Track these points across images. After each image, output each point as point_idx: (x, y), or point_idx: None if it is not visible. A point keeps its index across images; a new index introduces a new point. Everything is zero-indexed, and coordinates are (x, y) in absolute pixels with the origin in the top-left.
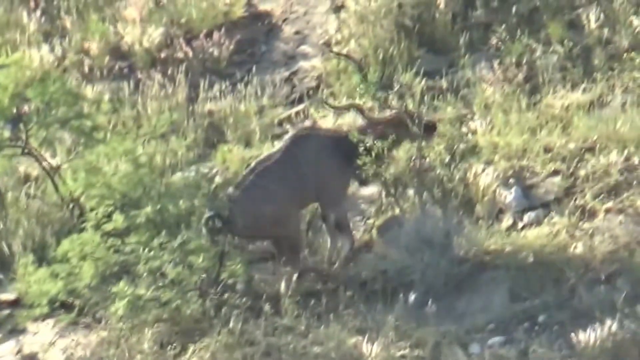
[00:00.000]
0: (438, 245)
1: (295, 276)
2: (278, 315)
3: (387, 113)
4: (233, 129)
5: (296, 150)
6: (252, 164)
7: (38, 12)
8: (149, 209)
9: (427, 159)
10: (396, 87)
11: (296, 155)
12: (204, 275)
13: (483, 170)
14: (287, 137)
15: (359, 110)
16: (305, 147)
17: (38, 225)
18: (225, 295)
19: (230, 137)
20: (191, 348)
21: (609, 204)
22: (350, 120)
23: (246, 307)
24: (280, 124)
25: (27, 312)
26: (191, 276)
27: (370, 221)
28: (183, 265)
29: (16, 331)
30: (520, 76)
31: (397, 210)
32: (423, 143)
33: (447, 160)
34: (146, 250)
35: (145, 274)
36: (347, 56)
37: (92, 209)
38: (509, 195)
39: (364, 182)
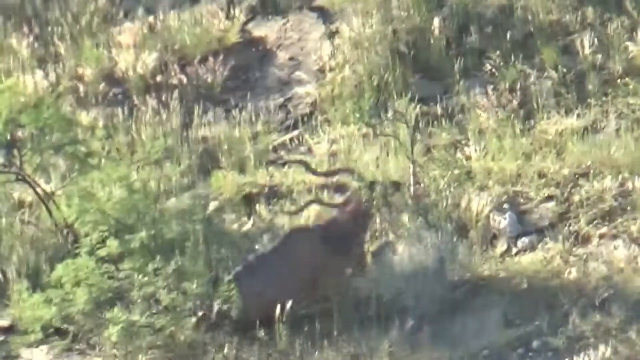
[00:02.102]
0: (432, 271)
1: (290, 302)
2: (272, 341)
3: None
4: (227, 155)
5: (288, 251)
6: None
7: (32, 38)
8: (143, 234)
9: (422, 185)
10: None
11: (288, 256)
12: (197, 302)
13: (477, 195)
14: (279, 238)
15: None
16: (297, 247)
17: (32, 251)
18: (220, 321)
19: (225, 163)
20: None
21: (603, 230)
22: (345, 146)
23: (240, 333)
24: (274, 150)
25: (21, 338)
26: (185, 302)
27: (365, 246)
28: (177, 291)
29: (10, 357)
30: (515, 102)
31: (391, 236)
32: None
33: (441, 185)
34: (140, 275)
35: (139, 300)
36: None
37: (86, 235)
38: (503, 221)
39: (363, 264)
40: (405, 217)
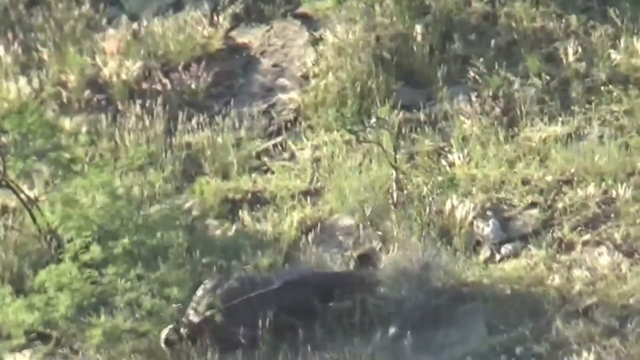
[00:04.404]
0: (416, 277)
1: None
2: (255, 347)
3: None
4: (211, 161)
5: (276, 297)
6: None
7: (15, 44)
8: (126, 240)
9: (405, 192)
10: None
11: (275, 302)
12: (180, 304)
13: (461, 202)
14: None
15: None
16: (286, 294)
17: (16, 256)
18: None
19: (208, 170)
20: None
21: (587, 237)
22: (328, 153)
23: (223, 339)
24: (258, 156)
25: (4, 343)
26: (167, 307)
27: (348, 253)
28: (160, 297)
29: None
30: (498, 109)
31: (374, 242)
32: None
33: (424, 192)
34: (123, 281)
35: (122, 305)
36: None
37: (69, 240)
38: (486, 228)
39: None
40: (388, 224)
